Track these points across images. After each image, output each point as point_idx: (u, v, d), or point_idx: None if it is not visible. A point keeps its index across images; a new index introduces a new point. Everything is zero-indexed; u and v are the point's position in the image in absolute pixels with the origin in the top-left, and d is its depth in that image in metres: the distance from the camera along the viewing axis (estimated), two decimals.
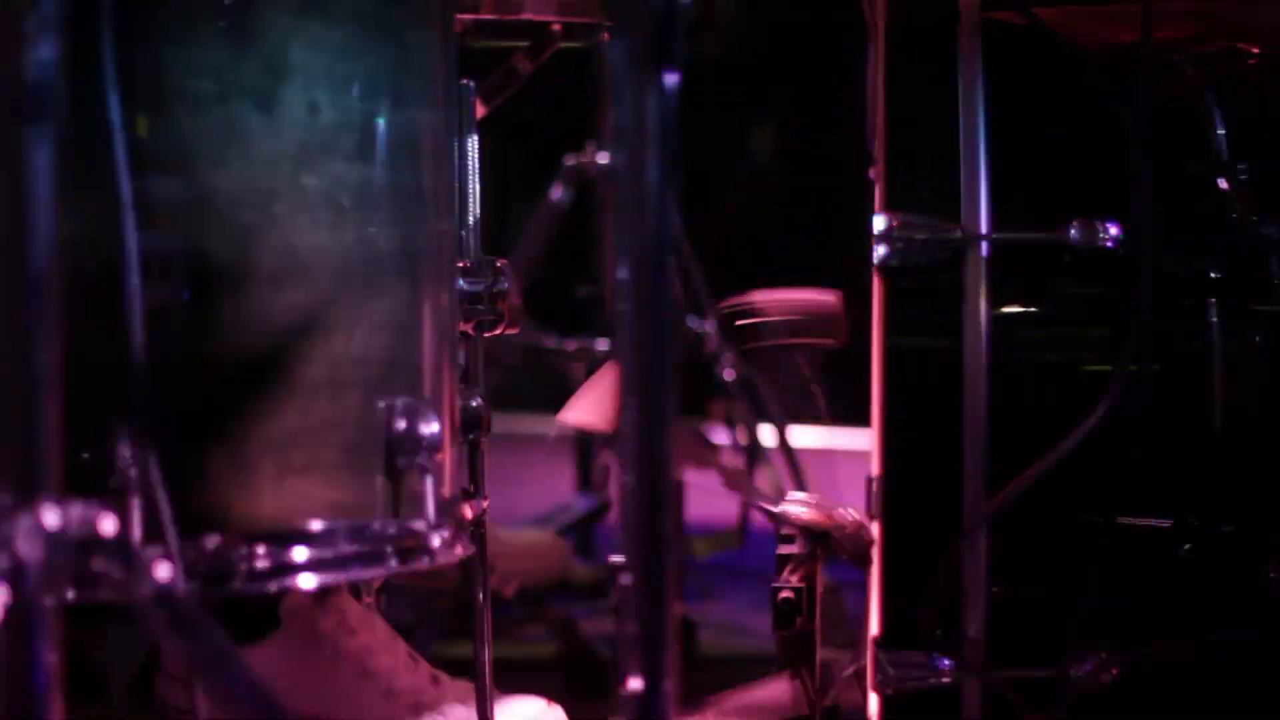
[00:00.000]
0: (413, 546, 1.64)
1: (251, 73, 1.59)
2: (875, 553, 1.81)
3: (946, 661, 1.73)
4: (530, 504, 3.51)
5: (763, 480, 3.21)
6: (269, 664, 2.04)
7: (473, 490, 1.82)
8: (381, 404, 1.63)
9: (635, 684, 1.28)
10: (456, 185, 1.81)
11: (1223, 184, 1.77)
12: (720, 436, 3.11)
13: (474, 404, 1.81)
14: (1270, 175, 1.78)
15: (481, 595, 1.93)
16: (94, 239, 1.52)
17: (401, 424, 1.63)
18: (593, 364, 3.40)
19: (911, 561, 1.74)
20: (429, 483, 1.64)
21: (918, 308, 1.76)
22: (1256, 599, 1.75)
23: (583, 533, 3.46)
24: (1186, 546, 1.75)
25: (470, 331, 1.84)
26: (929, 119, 1.79)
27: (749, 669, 2.73)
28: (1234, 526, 1.75)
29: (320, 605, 2.08)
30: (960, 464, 1.72)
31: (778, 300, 2.63)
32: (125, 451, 1.51)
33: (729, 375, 3.27)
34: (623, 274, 1.26)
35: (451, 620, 2.63)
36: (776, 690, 2.02)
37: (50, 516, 1.24)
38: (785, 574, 1.98)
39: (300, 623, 2.08)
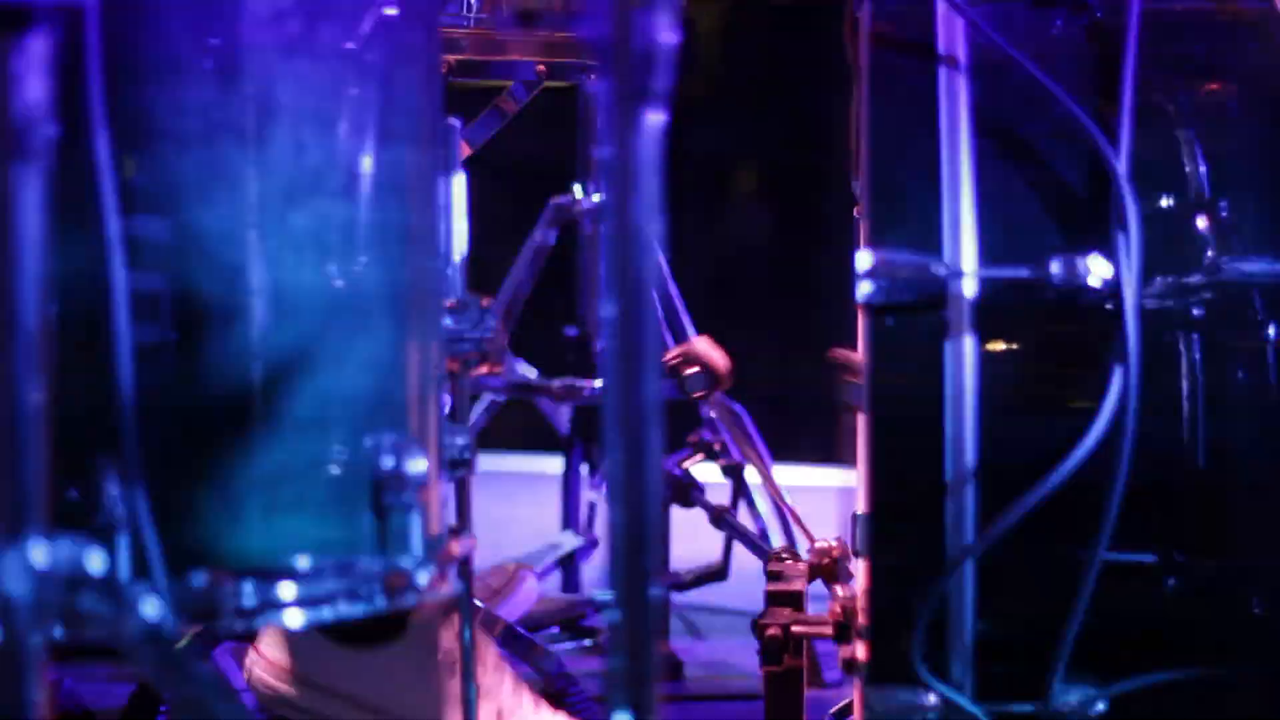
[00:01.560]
0: (399, 584, 1.64)
1: (238, 112, 1.60)
2: (861, 588, 1.81)
3: (933, 697, 1.73)
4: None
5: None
6: (395, 669, 2.08)
7: (459, 528, 1.83)
8: (368, 442, 1.63)
9: None
10: (442, 224, 1.82)
11: (1203, 221, 1.77)
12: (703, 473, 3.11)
13: (460, 442, 1.81)
14: (1250, 212, 1.79)
15: (468, 633, 1.93)
16: (81, 277, 1.52)
17: (388, 462, 1.63)
18: (578, 402, 3.40)
19: (898, 597, 1.75)
20: (416, 520, 1.64)
21: (903, 344, 1.77)
22: (1241, 633, 1.75)
23: (567, 569, 3.46)
24: (1171, 581, 1.75)
25: (456, 369, 1.85)
26: (913, 156, 1.79)
27: (735, 707, 2.74)
28: (1218, 561, 1.76)
29: (447, 623, 2.12)
30: (946, 500, 1.73)
31: (708, 349, 2.72)
32: (113, 489, 1.51)
33: (713, 412, 3.27)
34: (607, 313, 1.27)
35: None
36: None
37: (38, 554, 1.24)
38: (772, 611, 1.99)
39: (427, 636, 2.11)
